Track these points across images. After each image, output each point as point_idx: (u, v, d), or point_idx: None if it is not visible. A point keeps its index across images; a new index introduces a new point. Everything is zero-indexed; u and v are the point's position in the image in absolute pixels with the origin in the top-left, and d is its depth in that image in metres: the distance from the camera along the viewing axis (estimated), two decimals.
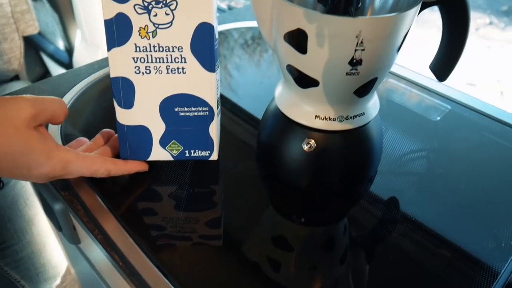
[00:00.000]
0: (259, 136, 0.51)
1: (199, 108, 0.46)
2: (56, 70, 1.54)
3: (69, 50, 1.53)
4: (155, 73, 0.44)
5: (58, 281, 0.88)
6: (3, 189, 0.68)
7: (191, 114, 0.46)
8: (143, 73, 0.44)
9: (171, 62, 0.43)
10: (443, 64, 0.46)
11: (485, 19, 2.66)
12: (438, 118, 0.60)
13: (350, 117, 0.44)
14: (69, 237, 0.57)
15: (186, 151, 0.49)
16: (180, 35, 0.42)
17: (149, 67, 0.43)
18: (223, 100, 0.62)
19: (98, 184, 0.48)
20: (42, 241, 0.80)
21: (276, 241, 0.43)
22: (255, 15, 0.41)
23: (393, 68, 0.71)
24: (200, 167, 0.51)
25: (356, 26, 0.35)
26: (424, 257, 0.42)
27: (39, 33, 1.52)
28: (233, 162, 0.52)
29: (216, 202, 0.47)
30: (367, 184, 0.50)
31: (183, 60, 0.43)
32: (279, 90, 0.48)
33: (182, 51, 0.42)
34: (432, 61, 0.47)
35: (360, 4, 0.42)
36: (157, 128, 0.47)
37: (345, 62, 0.38)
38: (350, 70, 0.38)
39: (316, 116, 0.44)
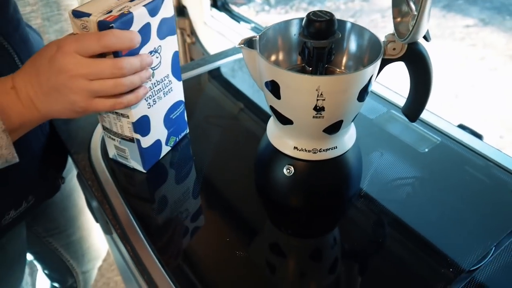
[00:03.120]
0: (255, 160, 0.61)
1: (180, 107, 0.65)
2: None
3: None
4: (159, 100, 0.59)
5: (99, 262, 1.04)
6: (63, 183, 0.82)
7: (178, 113, 0.65)
8: (152, 105, 0.58)
9: (165, 87, 0.59)
10: (413, 108, 0.53)
11: None
12: (426, 150, 0.66)
13: (323, 150, 0.52)
14: (103, 228, 0.70)
15: (176, 138, 0.68)
16: (165, 66, 0.58)
17: (155, 99, 0.58)
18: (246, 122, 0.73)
19: (126, 191, 0.61)
20: (88, 227, 0.95)
21: (270, 248, 0.53)
22: (246, 64, 0.51)
23: (392, 98, 0.77)
24: (209, 186, 0.62)
25: (315, 82, 0.44)
26: (393, 268, 0.50)
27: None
28: (234, 178, 0.63)
29: (215, 213, 0.58)
30: (347, 205, 0.58)
31: (169, 82, 0.60)
32: (270, 123, 0.57)
33: (168, 76, 0.59)
34: (404, 105, 0.54)
35: (332, 57, 0.50)
36: (163, 135, 0.64)
37: (311, 108, 0.46)
38: (316, 114, 0.47)
39: (295, 147, 0.53)
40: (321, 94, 0.45)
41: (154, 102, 0.58)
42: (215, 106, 0.79)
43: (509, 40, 2.82)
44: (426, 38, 0.46)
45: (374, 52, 0.49)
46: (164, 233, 0.55)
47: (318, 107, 0.46)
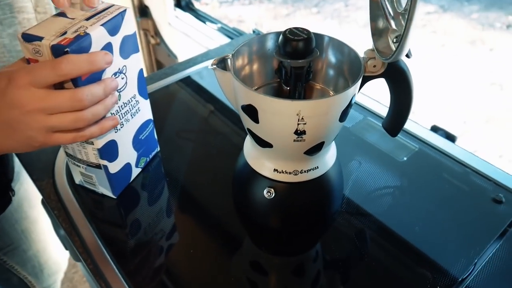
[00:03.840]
0: (233, 180, 0.59)
1: (149, 126, 0.61)
2: None
3: None
4: (126, 123, 0.55)
5: (61, 275, 0.98)
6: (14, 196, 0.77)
7: (147, 133, 0.61)
8: (119, 129, 0.54)
9: (132, 108, 0.55)
10: (394, 123, 0.52)
11: None
12: (405, 158, 0.65)
13: (304, 171, 0.50)
14: (72, 255, 0.66)
15: (147, 158, 0.64)
16: (131, 86, 0.53)
17: (122, 122, 0.54)
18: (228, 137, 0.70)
19: (95, 218, 0.57)
20: (44, 239, 0.89)
21: (251, 266, 0.50)
22: (220, 86, 0.48)
23: (368, 104, 0.75)
24: (184, 206, 0.59)
25: (295, 107, 0.41)
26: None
27: None
28: (211, 197, 0.60)
29: (192, 234, 0.55)
30: (329, 221, 0.56)
31: (137, 102, 0.56)
32: (247, 143, 0.55)
33: (135, 96, 0.55)
34: (384, 120, 0.52)
35: (311, 76, 0.48)
36: (133, 157, 0.60)
37: (291, 132, 0.44)
38: (297, 138, 0.45)
39: (274, 170, 0.50)
40: (302, 118, 0.42)
41: (122, 126, 0.54)
42: (186, 119, 0.75)
43: (468, 25, 2.89)
44: (407, 55, 0.44)
45: (354, 67, 0.47)
46: (137, 260, 0.51)
47: (299, 131, 0.44)
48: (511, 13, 2.90)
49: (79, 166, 0.56)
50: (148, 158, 0.64)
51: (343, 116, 0.45)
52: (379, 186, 0.61)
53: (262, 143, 0.48)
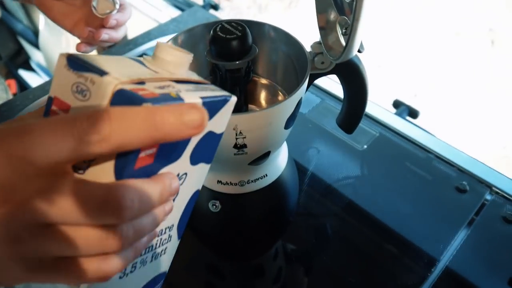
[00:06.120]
0: None
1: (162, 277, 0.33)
2: (29, 47, 1.53)
3: (35, 32, 1.51)
4: (140, 267, 0.29)
5: None
6: None
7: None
8: (128, 273, 0.28)
9: (158, 246, 0.30)
10: (349, 121, 0.46)
11: None
12: (365, 146, 0.61)
13: (252, 181, 0.45)
14: None
15: None
16: (174, 212, 0.29)
17: (135, 264, 0.28)
18: None
19: None
20: None
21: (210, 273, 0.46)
22: None
23: (326, 85, 0.70)
24: None
25: (230, 121, 0.35)
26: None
27: (8, 12, 1.51)
28: None
29: None
30: (285, 223, 0.51)
31: (168, 238, 0.30)
32: None
33: (171, 228, 0.30)
34: (338, 117, 0.47)
35: (251, 76, 0.41)
36: None
37: (230, 146, 0.38)
38: (237, 152, 0.39)
39: (218, 181, 0.45)
40: (240, 132, 0.36)
41: (134, 268, 0.27)
42: None
43: None
44: (359, 50, 0.38)
45: (301, 59, 0.41)
46: None
47: (238, 145, 0.38)
48: None
49: None
50: None
51: (288, 123, 0.40)
52: (338, 177, 0.57)
53: None
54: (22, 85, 1.49)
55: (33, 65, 1.56)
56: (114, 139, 0.18)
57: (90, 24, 0.43)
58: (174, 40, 0.42)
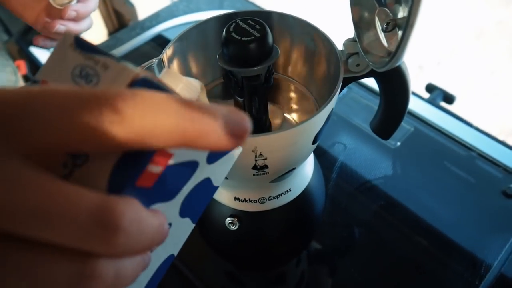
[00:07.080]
0: None
1: None
2: None
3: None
4: None
5: None
6: None
7: None
8: None
9: None
10: (386, 127, 0.40)
11: None
12: (399, 143, 0.54)
13: (273, 197, 0.39)
14: None
15: None
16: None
17: None
18: None
19: None
20: None
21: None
22: None
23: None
24: None
25: (248, 143, 0.29)
26: None
27: None
28: None
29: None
30: (310, 237, 0.46)
31: None
32: None
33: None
34: (374, 121, 0.40)
35: (272, 82, 0.35)
36: None
37: (249, 168, 0.32)
38: (257, 173, 0.33)
39: (235, 198, 0.39)
40: (260, 154, 0.31)
41: None
42: None
43: None
44: None
45: (330, 62, 0.34)
46: None
47: (258, 166, 0.32)
48: None
49: None
50: None
51: (317, 138, 0.33)
52: (368, 178, 0.51)
53: None
54: (34, 65, 1.44)
55: None
56: (137, 123, 0.13)
57: (51, 16, 0.38)
58: (182, 37, 0.35)
